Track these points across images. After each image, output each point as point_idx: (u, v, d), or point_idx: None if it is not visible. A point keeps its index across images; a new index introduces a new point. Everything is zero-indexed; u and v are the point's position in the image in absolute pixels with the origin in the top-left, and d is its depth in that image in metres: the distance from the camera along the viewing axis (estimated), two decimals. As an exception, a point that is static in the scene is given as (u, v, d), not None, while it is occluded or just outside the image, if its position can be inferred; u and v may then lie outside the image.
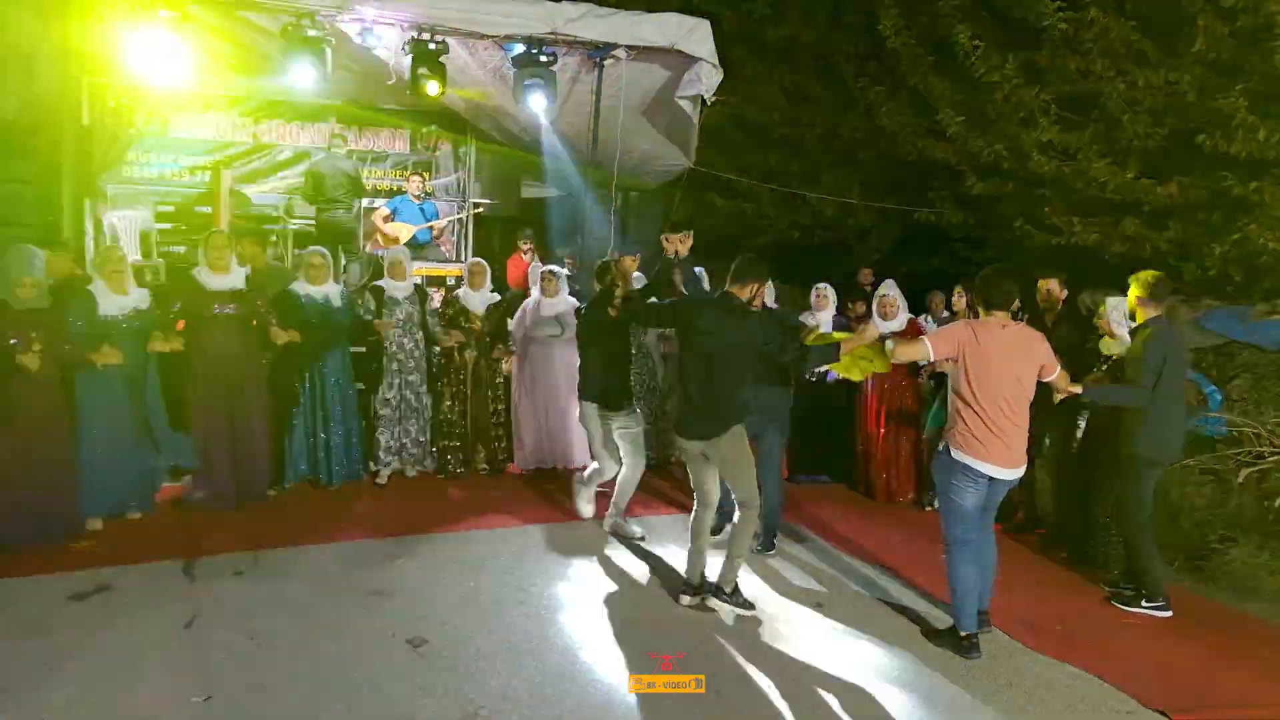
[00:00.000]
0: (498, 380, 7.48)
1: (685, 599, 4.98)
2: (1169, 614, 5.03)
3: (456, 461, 7.33)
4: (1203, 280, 8.65)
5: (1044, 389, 4.71)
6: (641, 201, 9.21)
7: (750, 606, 4.88)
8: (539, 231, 10.44)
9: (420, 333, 7.16)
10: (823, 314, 7.20)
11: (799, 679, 4.18)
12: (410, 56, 7.65)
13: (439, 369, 7.32)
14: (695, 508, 5.01)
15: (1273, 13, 7.50)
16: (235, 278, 6.19)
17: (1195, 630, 4.90)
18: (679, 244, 5.70)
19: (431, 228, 9.77)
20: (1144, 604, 5.08)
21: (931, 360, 4.63)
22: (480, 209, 10.39)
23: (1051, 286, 6.56)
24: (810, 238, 12.63)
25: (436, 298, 7.88)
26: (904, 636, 4.70)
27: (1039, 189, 9.42)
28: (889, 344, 4.69)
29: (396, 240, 9.42)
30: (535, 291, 7.48)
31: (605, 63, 7.99)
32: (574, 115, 9.04)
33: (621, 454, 5.93)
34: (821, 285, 7.35)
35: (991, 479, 4.47)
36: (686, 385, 4.84)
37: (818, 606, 5.05)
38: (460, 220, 10.42)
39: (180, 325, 6.12)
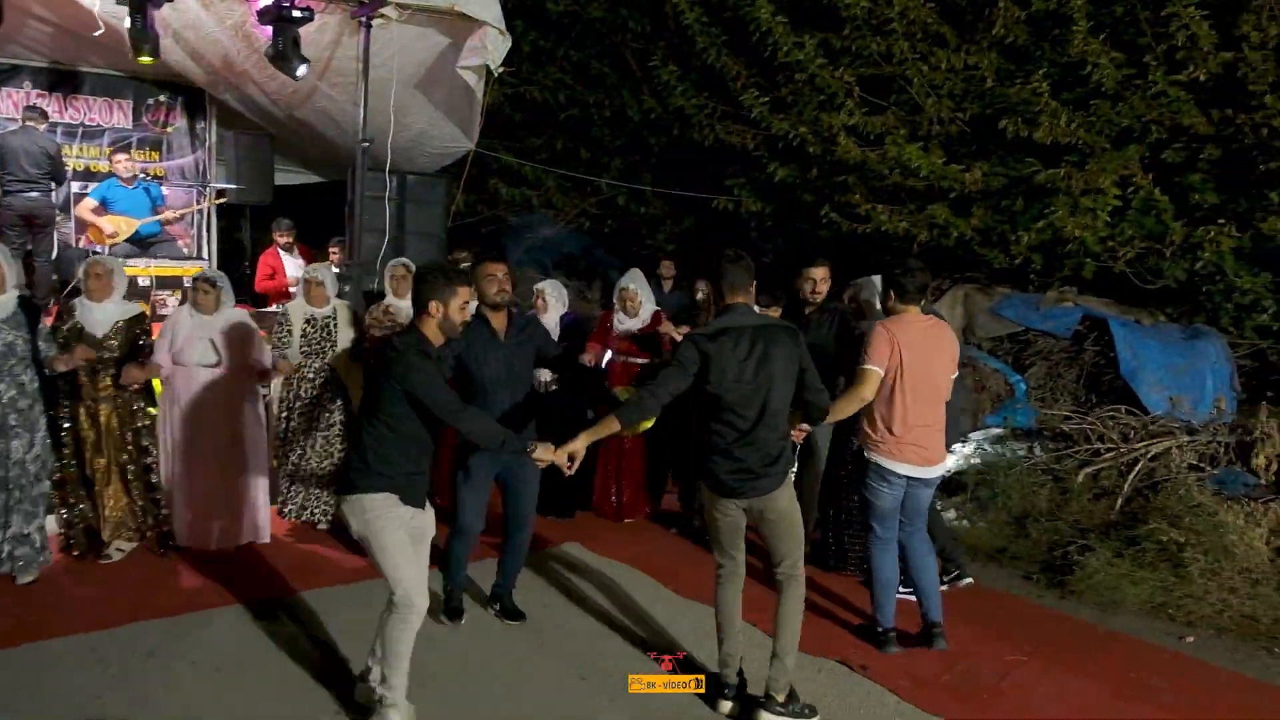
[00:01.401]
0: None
1: (726, 706, 3.81)
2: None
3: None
4: (1009, 268, 8.54)
5: None
6: (421, 187, 7.98)
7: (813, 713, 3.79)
8: (301, 222, 8.93)
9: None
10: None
11: None
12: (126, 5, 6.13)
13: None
14: (723, 581, 3.87)
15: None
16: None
17: (1080, 661, 4.44)
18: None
19: (161, 218, 8.13)
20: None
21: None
22: (224, 198, 8.78)
23: (817, 276, 5.59)
24: (601, 227, 11.84)
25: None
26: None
27: (841, 176, 9.05)
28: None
29: (115, 237, 7.76)
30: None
31: (373, 23, 6.76)
32: (337, 87, 7.73)
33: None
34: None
35: (909, 479, 4.30)
36: (722, 436, 3.69)
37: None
38: (201, 210, 8.77)
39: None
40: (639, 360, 6.32)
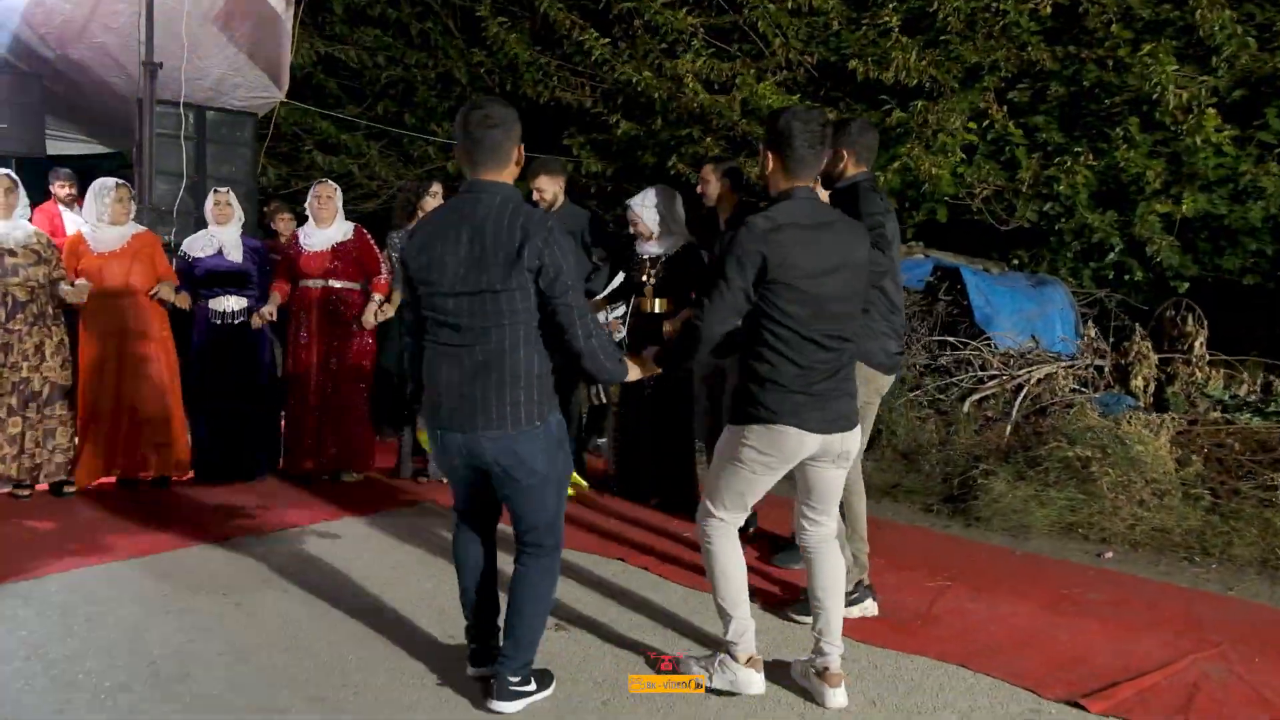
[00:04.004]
0: None
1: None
2: None
3: None
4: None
5: None
6: (224, 126, 6.90)
7: None
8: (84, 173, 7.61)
9: None
10: None
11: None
12: None
13: None
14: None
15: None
16: None
17: (1005, 584, 4.05)
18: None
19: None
20: None
21: None
22: None
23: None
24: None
25: None
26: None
27: (687, 129, 8.61)
28: None
29: None
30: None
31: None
32: (116, 16, 6.63)
33: None
34: None
35: None
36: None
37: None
38: None
39: None
40: None
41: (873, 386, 3.57)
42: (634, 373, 3.00)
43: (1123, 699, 2.97)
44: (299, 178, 10.49)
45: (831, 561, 3.05)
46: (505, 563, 2.98)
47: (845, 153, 3.51)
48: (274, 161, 9.87)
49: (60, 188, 7.00)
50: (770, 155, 2.88)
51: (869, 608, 3.63)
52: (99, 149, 9.11)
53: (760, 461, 2.87)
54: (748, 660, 2.97)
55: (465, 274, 2.64)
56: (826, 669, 2.96)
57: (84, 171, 8.25)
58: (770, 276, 2.74)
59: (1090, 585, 4.05)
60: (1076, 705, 2.92)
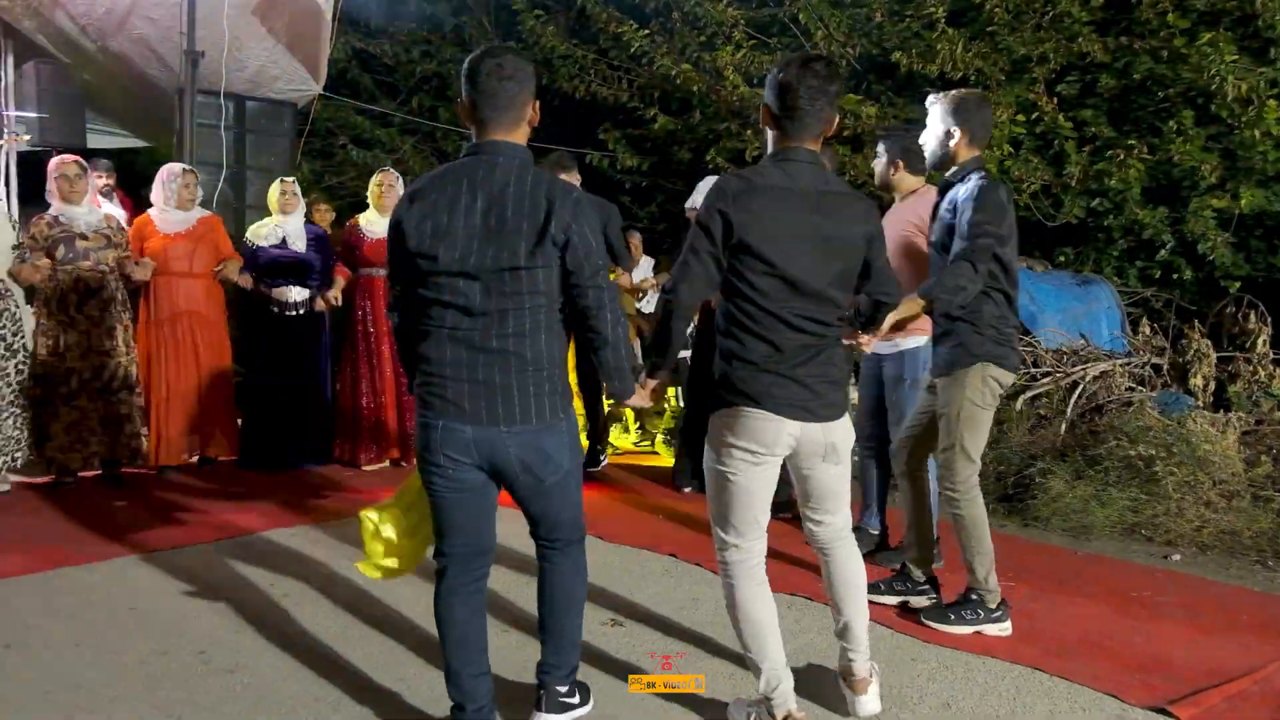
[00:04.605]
0: None
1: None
2: None
3: None
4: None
5: None
6: (264, 116, 6.86)
7: None
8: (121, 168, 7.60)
9: None
10: None
11: None
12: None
13: None
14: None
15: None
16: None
17: (1070, 586, 3.91)
18: None
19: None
20: None
21: None
22: (28, 139, 7.29)
23: None
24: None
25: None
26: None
27: (725, 123, 8.51)
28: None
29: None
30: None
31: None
32: (157, 8, 6.59)
33: None
34: None
35: None
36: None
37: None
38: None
39: None
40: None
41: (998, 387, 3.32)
42: (640, 396, 2.64)
43: (1211, 705, 2.82)
44: (332, 171, 10.49)
45: (846, 559, 2.71)
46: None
47: (958, 130, 3.22)
48: (307, 157, 9.85)
49: (98, 178, 6.96)
50: (765, 110, 2.54)
51: (1005, 627, 3.35)
52: (136, 142, 9.10)
53: (740, 457, 2.50)
54: (785, 718, 2.55)
55: (480, 248, 2.27)
56: (851, 673, 2.71)
57: (121, 167, 8.27)
58: (735, 240, 2.42)
59: (1159, 588, 3.90)
60: (1164, 712, 2.77)
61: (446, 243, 2.29)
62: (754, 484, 2.54)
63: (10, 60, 7.53)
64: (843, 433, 2.60)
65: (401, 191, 5.50)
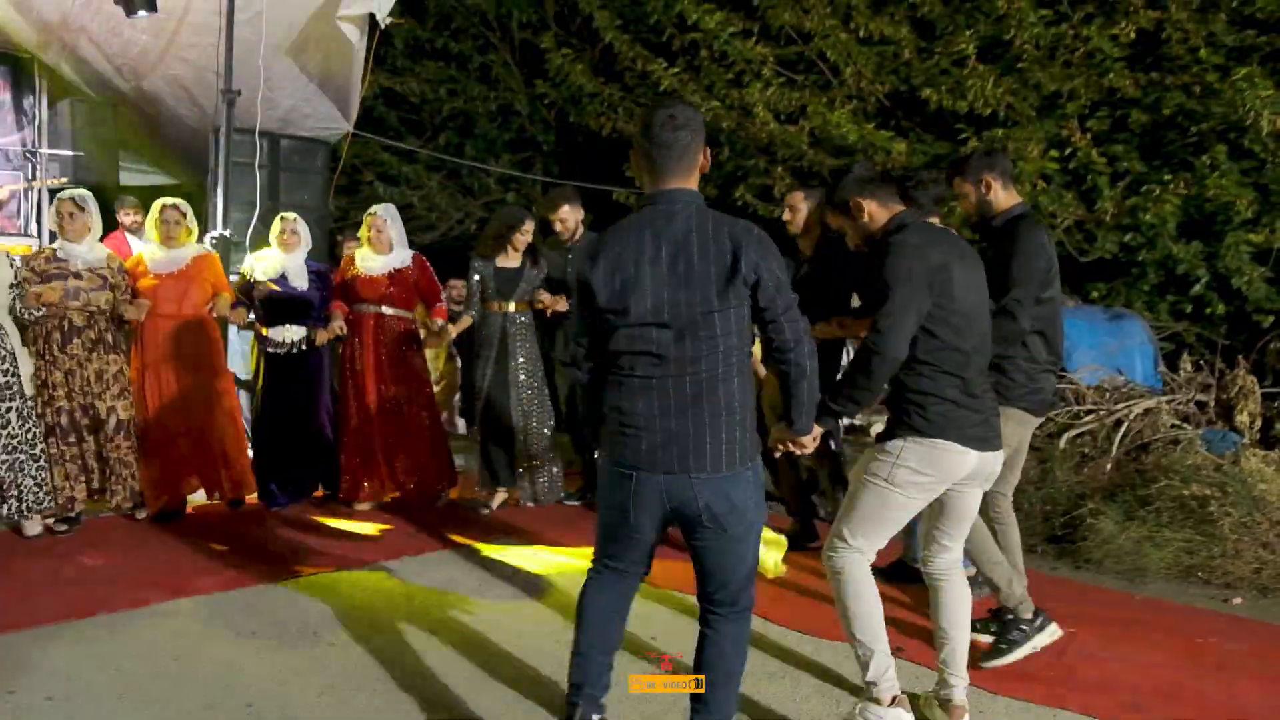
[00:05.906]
0: None
1: None
2: None
3: None
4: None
5: None
6: (298, 154, 6.88)
7: None
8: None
9: None
10: None
11: None
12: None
13: None
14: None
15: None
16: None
17: (1133, 631, 3.79)
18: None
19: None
20: None
21: None
22: (63, 181, 7.32)
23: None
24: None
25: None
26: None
27: (753, 159, 8.51)
28: None
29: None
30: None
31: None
32: (194, 49, 6.64)
33: None
34: None
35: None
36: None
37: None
38: (32, 188, 7.31)
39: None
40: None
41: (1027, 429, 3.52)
42: (810, 439, 2.65)
43: (1299, 761, 2.72)
44: (358, 208, 10.52)
45: (958, 588, 2.91)
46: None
47: (991, 181, 3.34)
48: (335, 194, 9.90)
49: (125, 215, 7.00)
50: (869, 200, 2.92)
51: (1053, 630, 3.45)
52: (167, 179, 9.15)
53: (915, 482, 2.71)
54: (892, 700, 2.75)
55: (671, 296, 2.31)
56: (950, 701, 2.83)
57: (149, 205, 8.31)
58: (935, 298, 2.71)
59: (1226, 634, 3.79)
60: (1252, 768, 2.68)
61: (637, 294, 2.34)
62: (913, 506, 2.79)
63: (45, 99, 7.61)
64: (1001, 461, 2.90)
65: (394, 233, 5.49)
